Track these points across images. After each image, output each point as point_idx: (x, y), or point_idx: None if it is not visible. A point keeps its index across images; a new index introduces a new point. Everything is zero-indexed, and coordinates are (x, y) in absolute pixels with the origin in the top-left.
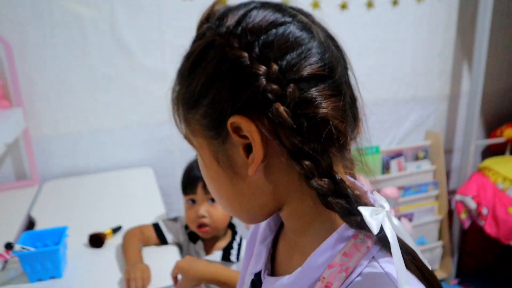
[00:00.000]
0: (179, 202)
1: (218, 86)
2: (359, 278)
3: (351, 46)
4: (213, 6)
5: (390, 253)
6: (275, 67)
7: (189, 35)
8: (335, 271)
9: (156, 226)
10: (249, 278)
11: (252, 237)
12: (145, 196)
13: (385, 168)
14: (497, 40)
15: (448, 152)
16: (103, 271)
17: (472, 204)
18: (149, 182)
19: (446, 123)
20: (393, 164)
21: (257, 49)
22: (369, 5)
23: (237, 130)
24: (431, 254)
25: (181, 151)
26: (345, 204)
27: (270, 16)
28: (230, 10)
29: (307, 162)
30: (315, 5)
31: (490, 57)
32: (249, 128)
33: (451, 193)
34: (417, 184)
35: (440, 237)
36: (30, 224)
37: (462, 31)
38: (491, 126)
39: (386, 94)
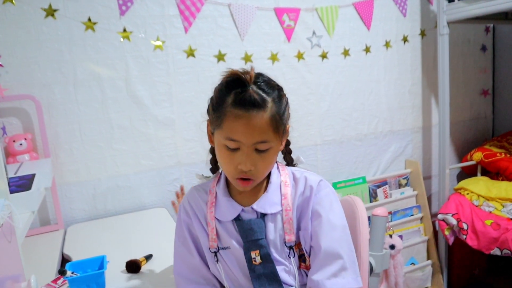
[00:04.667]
0: None
1: (289, 114)
2: (294, 175)
3: (333, 89)
4: (252, 69)
5: (293, 167)
6: None
7: (193, 87)
8: (284, 176)
9: None
10: (227, 222)
11: (190, 213)
12: (166, 232)
13: (373, 196)
14: (458, 78)
15: (427, 178)
16: None
17: (453, 221)
18: (166, 220)
19: (422, 152)
20: (379, 192)
21: None
22: (345, 53)
23: (287, 130)
24: (423, 273)
25: None
26: (291, 158)
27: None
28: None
29: (289, 147)
30: (300, 56)
31: (453, 92)
32: (288, 130)
33: (434, 215)
34: (403, 209)
35: (428, 257)
36: (64, 262)
37: (427, 70)
38: (462, 151)
39: (367, 129)
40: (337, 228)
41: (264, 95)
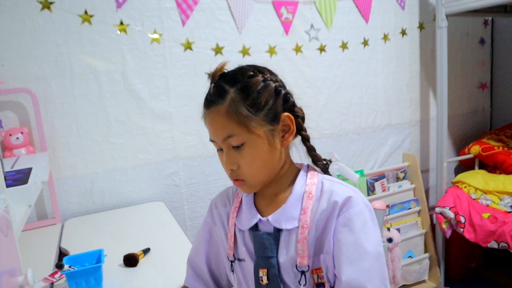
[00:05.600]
0: (188, 233)
1: (274, 99)
2: (322, 185)
3: (331, 83)
4: (223, 64)
5: (327, 175)
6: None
7: (190, 80)
8: (310, 186)
9: None
10: (245, 232)
11: (215, 215)
12: (163, 226)
13: (370, 189)
14: (456, 71)
15: (425, 171)
16: (138, 287)
17: (451, 214)
18: (164, 214)
19: (420, 146)
20: (377, 185)
21: (282, 84)
22: (343, 46)
23: (284, 120)
24: (420, 266)
25: (186, 185)
26: (316, 157)
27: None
28: (260, 69)
29: (308, 143)
30: (298, 49)
31: (451, 85)
32: (290, 119)
33: (432, 209)
34: (400, 202)
35: (426, 250)
36: (61, 256)
37: (425, 63)
38: (460, 145)
39: (365, 122)
40: (369, 257)
41: (226, 87)
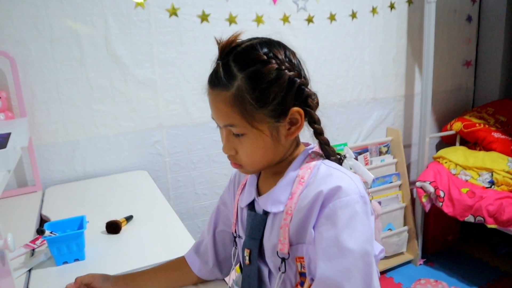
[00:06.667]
0: (171, 202)
1: (285, 92)
2: (318, 169)
3: (318, 54)
4: (236, 36)
5: (329, 160)
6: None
7: (175, 48)
8: (304, 170)
9: None
10: (244, 209)
11: (230, 187)
12: (146, 194)
13: None
14: (442, 48)
15: (407, 146)
16: (121, 254)
17: (431, 188)
18: (147, 182)
19: (404, 121)
20: (360, 158)
21: (299, 69)
22: (331, 18)
23: (292, 114)
24: (399, 238)
25: (170, 154)
26: (330, 151)
27: (291, 52)
28: (276, 50)
29: (321, 137)
30: (285, 19)
31: (436, 62)
32: (300, 114)
33: (412, 183)
34: (382, 176)
35: (405, 223)
36: (43, 223)
37: (412, 38)
38: (442, 121)
39: (350, 96)
40: (350, 254)
41: (235, 70)
